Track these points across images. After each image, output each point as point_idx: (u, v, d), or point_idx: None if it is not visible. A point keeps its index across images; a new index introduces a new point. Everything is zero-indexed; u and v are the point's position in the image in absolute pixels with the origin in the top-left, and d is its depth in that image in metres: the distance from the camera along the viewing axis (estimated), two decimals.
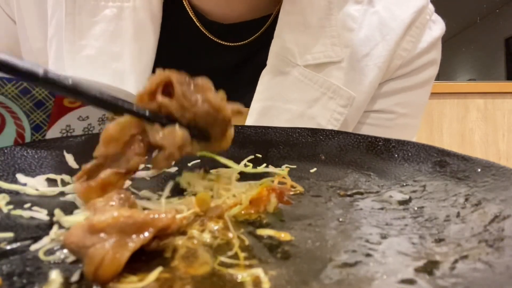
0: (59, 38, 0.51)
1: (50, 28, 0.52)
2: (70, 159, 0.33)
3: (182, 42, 0.54)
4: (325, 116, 0.50)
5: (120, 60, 0.50)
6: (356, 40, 0.51)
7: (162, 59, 0.52)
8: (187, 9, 0.52)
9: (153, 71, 0.50)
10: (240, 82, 0.53)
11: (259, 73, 0.51)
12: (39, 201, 0.26)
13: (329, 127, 0.50)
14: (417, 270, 0.17)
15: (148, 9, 0.50)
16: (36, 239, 0.20)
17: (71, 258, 0.19)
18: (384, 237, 0.21)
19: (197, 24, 0.53)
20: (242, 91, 0.50)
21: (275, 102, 0.50)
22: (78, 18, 0.49)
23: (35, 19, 0.54)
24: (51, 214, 0.24)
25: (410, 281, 0.16)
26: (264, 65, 0.51)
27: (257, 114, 0.50)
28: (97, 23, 0.50)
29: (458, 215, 0.23)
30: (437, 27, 0.54)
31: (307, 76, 0.50)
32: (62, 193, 0.28)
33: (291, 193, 0.29)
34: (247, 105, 0.50)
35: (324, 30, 0.50)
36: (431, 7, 0.53)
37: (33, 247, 0.20)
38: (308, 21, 0.50)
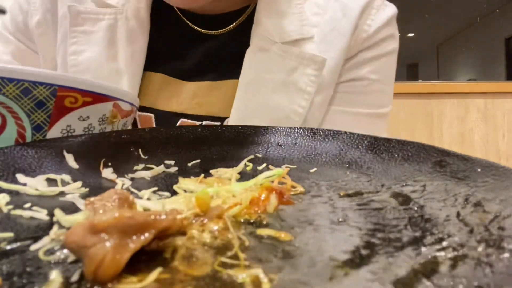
0: (64, 45, 0.62)
1: (58, 37, 0.63)
2: (70, 159, 0.33)
3: (172, 38, 0.63)
4: (304, 80, 0.59)
5: (116, 61, 0.59)
6: (322, 21, 0.62)
7: (155, 56, 0.62)
8: (175, 8, 0.62)
9: (145, 68, 0.61)
10: (226, 62, 0.62)
11: (243, 53, 0.60)
12: (39, 201, 0.26)
13: (308, 89, 0.59)
14: (417, 270, 0.17)
15: (137, 18, 0.60)
16: (36, 239, 0.20)
17: (71, 258, 0.19)
18: (384, 237, 0.21)
19: (184, 18, 0.62)
20: (229, 68, 0.61)
21: (260, 74, 0.59)
22: (80, 28, 0.60)
23: (53, 42, 0.65)
24: (51, 214, 0.24)
25: (410, 281, 0.17)
26: (245, 46, 0.60)
27: (245, 85, 0.59)
28: (97, 32, 0.60)
29: (458, 215, 0.23)
30: (389, 8, 0.65)
31: (285, 51, 0.59)
32: (62, 193, 0.28)
33: (291, 193, 0.29)
34: (236, 78, 0.61)
35: (295, 15, 0.61)
36: None
37: (33, 247, 0.20)
38: (281, 9, 0.61)
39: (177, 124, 0.61)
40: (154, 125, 0.61)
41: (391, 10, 0.65)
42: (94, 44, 0.60)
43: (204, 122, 0.61)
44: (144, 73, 0.62)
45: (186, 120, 0.61)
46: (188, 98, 0.61)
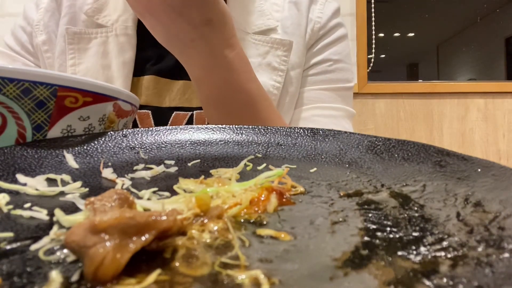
0: (61, 59, 0.73)
1: (56, 52, 0.73)
2: (70, 159, 0.33)
3: (154, 47, 0.72)
4: (276, 61, 0.73)
5: (109, 69, 0.71)
6: (283, 16, 0.77)
7: (143, 63, 0.74)
8: None
9: (134, 74, 0.72)
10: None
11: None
12: (39, 201, 0.26)
13: (281, 67, 0.73)
14: (417, 270, 0.17)
15: (125, 34, 0.72)
16: (36, 239, 0.20)
17: (71, 258, 0.19)
18: (384, 237, 0.21)
19: None
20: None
21: None
22: (77, 46, 0.72)
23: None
24: (51, 214, 0.24)
25: (410, 281, 0.17)
26: None
27: None
28: (91, 48, 0.72)
29: (458, 215, 0.23)
30: (333, 3, 0.82)
31: (257, 39, 0.74)
32: (62, 193, 0.28)
33: (291, 193, 0.29)
34: None
35: (260, 13, 0.76)
36: None
37: (33, 247, 0.20)
38: (248, 8, 0.76)
39: (172, 117, 0.72)
40: (152, 120, 0.71)
41: (335, 4, 0.83)
42: (90, 56, 0.71)
43: (196, 111, 0.72)
44: (133, 78, 0.72)
45: (179, 112, 0.72)
46: (179, 94, 0.72)
